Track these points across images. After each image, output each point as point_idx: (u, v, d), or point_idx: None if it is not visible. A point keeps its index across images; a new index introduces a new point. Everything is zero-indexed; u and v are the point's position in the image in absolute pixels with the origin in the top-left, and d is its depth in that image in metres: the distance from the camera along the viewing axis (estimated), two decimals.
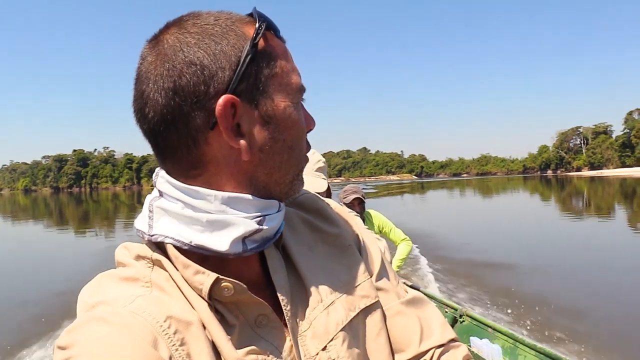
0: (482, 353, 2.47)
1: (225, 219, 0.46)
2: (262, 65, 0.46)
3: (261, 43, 0.46)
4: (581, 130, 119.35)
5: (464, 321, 3.05)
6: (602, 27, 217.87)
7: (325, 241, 0.58)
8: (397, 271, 3.09)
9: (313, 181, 1.22)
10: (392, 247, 3.51)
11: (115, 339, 0.40)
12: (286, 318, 0.48)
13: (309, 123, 0.52)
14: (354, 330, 0.53)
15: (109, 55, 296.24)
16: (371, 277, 0.58)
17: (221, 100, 0.44)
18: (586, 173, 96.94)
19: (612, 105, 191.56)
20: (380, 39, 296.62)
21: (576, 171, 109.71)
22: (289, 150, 0.49)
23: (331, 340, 0.50)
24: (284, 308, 0.49)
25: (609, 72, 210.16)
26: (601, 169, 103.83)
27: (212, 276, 0.45)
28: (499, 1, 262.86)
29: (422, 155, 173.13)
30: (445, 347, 0.58)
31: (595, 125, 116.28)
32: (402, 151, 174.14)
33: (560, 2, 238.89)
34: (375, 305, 0.56)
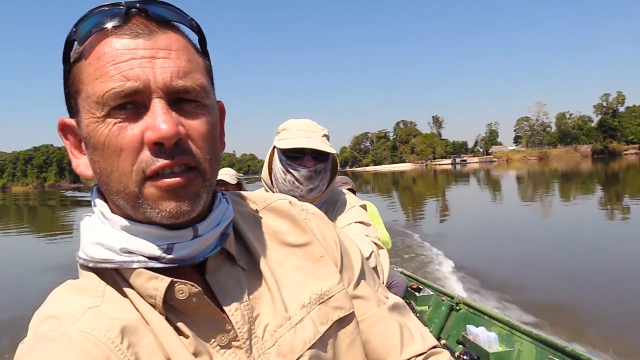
0: (478, 341, 2.46)
1: (128, 242, 0.45)
2: (72, 83, 0.45)
3: (75, 58, 0.44)
4: (369, 135, 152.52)
5: (460, 309, 3.05)
6: (385, 49, 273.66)
7: (296, 254, 0.56)
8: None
9: (322, 145, 1.26)
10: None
11: None
12: (241, 340, 0.47)
13: (144, 134, 0.42)
14: (325, 344, 0.52)
15: None
16: (348, 285, 0.58)
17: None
18: (371, 168, 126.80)
19: (391, 115, 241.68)
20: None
21: (365, 167, 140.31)
22: (106, 172, 0.44)
23: (297, 359, 0.49)
24: (238, 330, 0.47)
25: (391, 87, 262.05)
26: (381, 165, 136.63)
27: (166, 280, 0.45)
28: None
29: (253, 154, 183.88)
30: (426, 354, 0.58)
31: (378, 131, 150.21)
32: (234, 151, 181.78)
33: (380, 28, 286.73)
34: (349, 317, 0.55)
